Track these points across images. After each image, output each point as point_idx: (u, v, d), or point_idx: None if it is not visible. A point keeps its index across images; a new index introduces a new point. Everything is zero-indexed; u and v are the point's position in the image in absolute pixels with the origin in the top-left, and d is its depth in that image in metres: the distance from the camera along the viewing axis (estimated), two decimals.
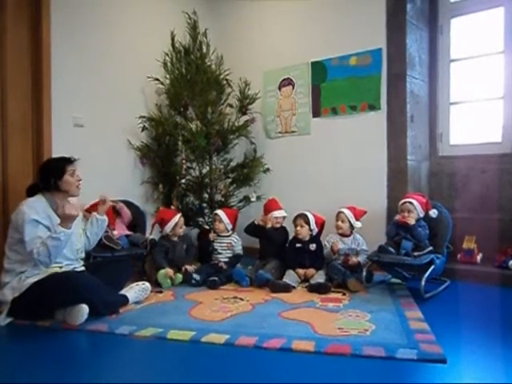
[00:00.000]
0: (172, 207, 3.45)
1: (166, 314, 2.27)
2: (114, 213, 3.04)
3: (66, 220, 2.20)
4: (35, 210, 2.23)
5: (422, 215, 2.78)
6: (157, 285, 2.82)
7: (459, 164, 3.28)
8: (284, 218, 3.20)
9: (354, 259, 2.82)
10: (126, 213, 3.14)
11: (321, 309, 2.34)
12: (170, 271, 2.88)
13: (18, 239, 2.20)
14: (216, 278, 2.84)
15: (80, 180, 2.44)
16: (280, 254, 3.07)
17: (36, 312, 2.18)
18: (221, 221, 3.15)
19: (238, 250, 3.17)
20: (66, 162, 2.41)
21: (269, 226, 3.12)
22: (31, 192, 2.37)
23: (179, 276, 2.92)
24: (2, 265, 2.27)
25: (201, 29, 3.78)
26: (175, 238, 3.11)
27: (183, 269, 2.99)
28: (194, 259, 3.23)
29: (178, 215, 3.11)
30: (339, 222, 2.95)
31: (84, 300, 2.12)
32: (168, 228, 3.05)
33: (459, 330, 2.02)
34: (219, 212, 3.20)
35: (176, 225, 3.06)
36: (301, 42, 3.71)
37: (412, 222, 2.70)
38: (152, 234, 3.17)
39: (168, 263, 2.96)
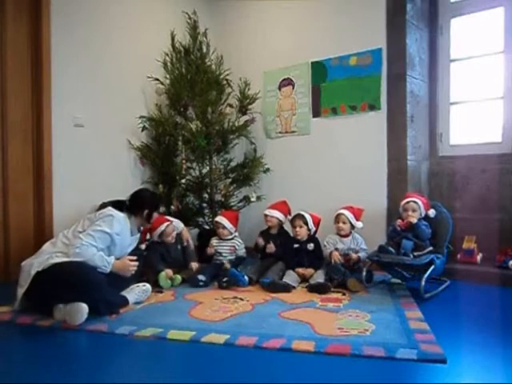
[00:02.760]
0: (172, 207, 3.45)
1: (166, 314, 2.27)
2: None
3: (121, 271, 2.41)
4: (118, 225, 2.41)
5: (423, 215, 2.79)
6: (157, 285, 2.81)
7: (459, 164, 3.28)
8: (278, 219, 3.16)
9: (353, 255, 2.83)
10: None
11: (321, 309, 2.34)
12: (169, 272, 2.88)
13: (82, 226, 2.37)
14: (226, 278, 2.81)
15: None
16: (282, 255, 3.07)
17: (46, 296, 2.18)
18: (224, 227, 3.14)
19: (242, 253, 3.18)
20: (160, 200, 2.85)
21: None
22: (117, 206, 2.52)
23: (178, 277, 2.91)
24: (54, 239, 2.41)
25: (201, 29, 3.78)
26: (169, 240, 3.06)
27: (191, 265, 3.02)
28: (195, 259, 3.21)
29: (165, 224, 3.01)
30: (340, 224, 2.94)
31: (88, 295, 2.14)
32: (155, 236, 3.03)
33: (459, 329, 2.02)
34: (220, 219, 3.17)
35: (163, 233, 3.00)
36: (301, 42, 3.71)
37: (414, 220, 2.71)
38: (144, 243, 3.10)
39: (166, 265, 2.96)
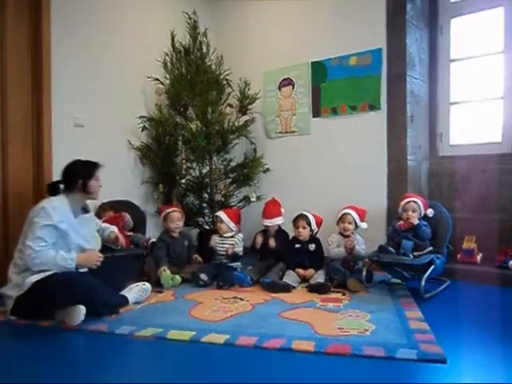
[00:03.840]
0: None
1: (166, 314, 2.27)
2: (117, 221, 3.02)
3: (87, 263, 2.35)
4: (56, 212, 2.24)
5: (422, 214, 2.79)
6: (158, 285, 2.82)
7: (459, 164, 3.28)
8: (278, 224, 3.17)
9: (350, 242, 2.82)
10: (129, 225, 3.14)
11: (321, 309, 2.34)
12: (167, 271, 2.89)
13: (25, 232, 2.25)
14: (221, 283, 2.83)
15: (101, 186, 2.51)
16: (281, 255, 3.07)
17: (37, 311, 2.18)
18: (222, 221, 3.13)
19: (238, 250, 3.12)
20: (95, 166, 2.49)
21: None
22: (52, 190, 2.39)
23: (177, 277, 2.90)
24: (13, 260, 2.29)
25: (201, 29, 3.78)
26: (176, 235, 3.13)
27: (194, 257, 3.08)
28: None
29: (171, 209, 3.18)
30: (346, 224, 2.92)
31: (84, 300, 2.12)
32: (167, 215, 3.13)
33: (459, 329, 2.02)
34: (219, 213, 3.18)
35: (167, 218, 3.13)
36: (301, 42, 3.71)
37: (416, 221, 2.71)
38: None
39: (169, 262, 2.98)
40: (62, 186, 2.42)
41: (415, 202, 2.79)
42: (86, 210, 2.51)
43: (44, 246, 2.18)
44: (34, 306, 2.16)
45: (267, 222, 3.16)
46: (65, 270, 2.23)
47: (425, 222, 2.75)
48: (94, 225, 2.60)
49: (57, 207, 2.27)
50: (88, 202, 2.99)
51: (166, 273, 2.85)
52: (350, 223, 2.93)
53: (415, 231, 2.71)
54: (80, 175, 2.40)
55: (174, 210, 3.16)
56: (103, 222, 2.87)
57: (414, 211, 2.77)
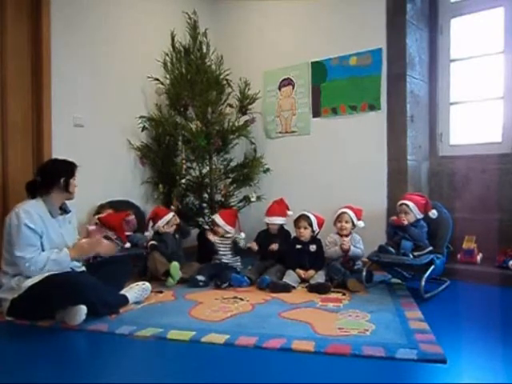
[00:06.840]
0: (172, 207, 3.45)
1: (166, 314, 2.27)
2: (123, 221, 3.03)
3: (87, 252, 2.37)
4: (31, 216, 2.20)
5: (419, 216, 2.79)
6: (164, 275, 2.84)
7: (459, 164, 3.28)
8: (280, 224, 3.17)
9: (345, 245, 2.83)
10: (134, 224, 3.14)
11: (321, 309, 2.34)
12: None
13: (8, 241, 2.22)
14: (218, 283, 2.84)
15: (76, 186, 2.44)
16: (281, 255, 3.07)
17: (35, 313, 2.17)
18: (218, 225, 3.13)
19: (242, 244, 3.11)
20: (75, 166, 2.43)
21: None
22: (30, 189, 2.34)
23: (171, 281, 2.91)
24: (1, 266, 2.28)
25: (201, 29, 3.78)
26: (167, 232, 3.12)
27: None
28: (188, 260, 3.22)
29: (171, 214, 3.14)
30: (343, 223, 2.93)
31: (83, 300, 2.11)
32: (161, 223, 3.07)
33: (459, 329, 2.02)
34: (215, 217, 3.19)
35: (168, 222, 3.10)
36: (301, 42, 3.71)
37: (405, 223, 2.73)
38: (148, 230, 3.17)
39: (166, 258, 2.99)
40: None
41: (406, 204, 2.79)
42: (65, 210, 2.44)
43: (34, 251, 2.17)
44: (31, 308, 2.15)
45: (267, 220, 3.17)
46: (62, 271, 2.23)
47: (422, 223, 2.76)
48: (74, 224, 2.54)
49: (28, 211, 2.21)
50: (87, 202, 3.00)
51: (174, 263, 2.85)
52: (346, 222, 2.93)
53: (407, 232, 2.72)
54: (63, 173, 2.35)
55: (174, 214, 3.16)
56: (102, 218, 2.88)
57: (405, 213, 2.78)
